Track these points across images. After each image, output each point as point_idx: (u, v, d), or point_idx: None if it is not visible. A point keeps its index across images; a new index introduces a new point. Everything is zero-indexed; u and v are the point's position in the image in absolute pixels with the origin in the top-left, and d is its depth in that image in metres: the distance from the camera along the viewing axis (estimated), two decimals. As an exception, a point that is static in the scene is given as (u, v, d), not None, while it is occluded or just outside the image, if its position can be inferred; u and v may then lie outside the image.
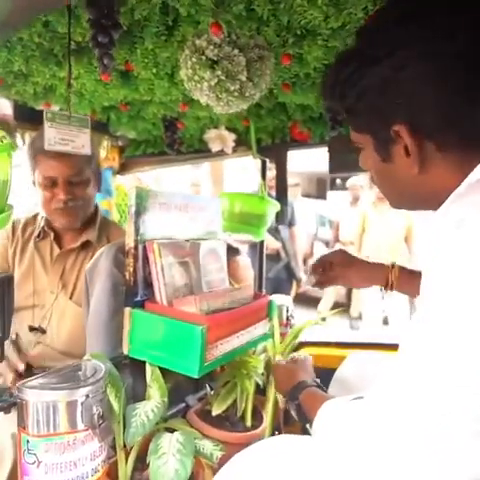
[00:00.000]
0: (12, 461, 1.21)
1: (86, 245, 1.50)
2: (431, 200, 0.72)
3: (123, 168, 2.10)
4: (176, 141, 1.72)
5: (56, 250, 1.51)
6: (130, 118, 1.66)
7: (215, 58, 1.03)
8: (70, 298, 1.45)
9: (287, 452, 0.79)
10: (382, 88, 0.67)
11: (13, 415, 0.83)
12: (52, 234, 1.51)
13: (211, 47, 1.02)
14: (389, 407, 0.63)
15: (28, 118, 1.60)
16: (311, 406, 0.87)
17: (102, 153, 1.93)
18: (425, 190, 0.72)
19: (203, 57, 1.03)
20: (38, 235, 1.52)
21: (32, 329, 1.43)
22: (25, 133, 1.64)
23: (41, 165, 1.37)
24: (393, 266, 1.14)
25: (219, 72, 1.03)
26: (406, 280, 1.12)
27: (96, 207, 1.56)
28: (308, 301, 4.90)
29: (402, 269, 1.14)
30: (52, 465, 0.79)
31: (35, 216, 1.56)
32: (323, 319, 2.10)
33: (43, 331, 1.43)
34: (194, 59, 1.04)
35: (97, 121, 1.71)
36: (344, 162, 1.65)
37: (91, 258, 1.39)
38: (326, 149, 1.75)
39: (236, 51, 1.02)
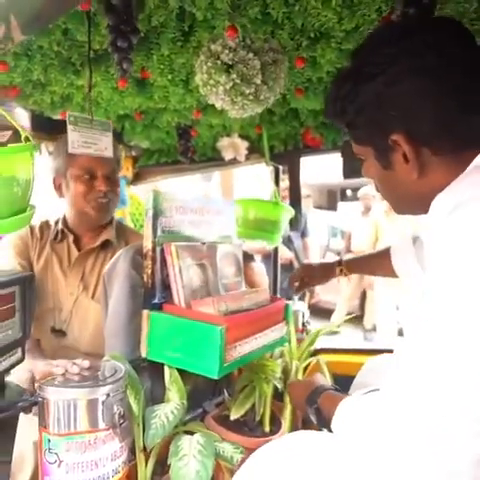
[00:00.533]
0: (32, 469, 1.21)
1: (105, 245, 1.51)
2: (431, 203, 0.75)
3: (136, 178, 2.12)
4: (190, 149, 1.74)
5: (74, 252, 1.51)
6: (144, 127, 1.69)
7: (230, 62, 1.04)
8: (92, 297, 1.45)
9: (307, 447, 0.78)
10: (377, 103, 0.73)
11: (36, 422, 0.83)
12: (71, 236, 1.51)
13: (226, 51, 1.04)
14: (395, 406, 0.65)
15: (45, 128, 1.64)
16: (331, 407, 0.86)
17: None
18: (425, 193, 0.76)
19: (218, 61, 1.05)
20: (55, 237, 1.52)
21: (53, 331, 1.44)
22: (41, 143, 1.67)
23: (79, 159, 1.37)
24: (340, 262, 1.50)
25: (234, 76, 1.05)
26: (355, 267, 1.50)
27: None
28: (321, 312, 4.86)
29: (348, 261, 1.50)
30: (73, 465, 0.79)
31: (46, 222, 1.57)
32: (338, 326, 2.11)
33: (63, 333, 1.44)
34: (209, 64, 1.06)
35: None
36: (358, 167, 1.65)
37: (111, 258, 1.40)
38: (338, 156, 1.76)
39: (251, 55, 1.04)
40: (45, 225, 1.56)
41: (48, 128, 1.62)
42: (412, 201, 0.81)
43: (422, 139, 0.72)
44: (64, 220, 1.53)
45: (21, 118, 1.56)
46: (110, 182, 1.46)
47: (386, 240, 4.34)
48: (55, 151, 1.47)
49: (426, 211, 0.78)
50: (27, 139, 0.78)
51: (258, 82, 1.07)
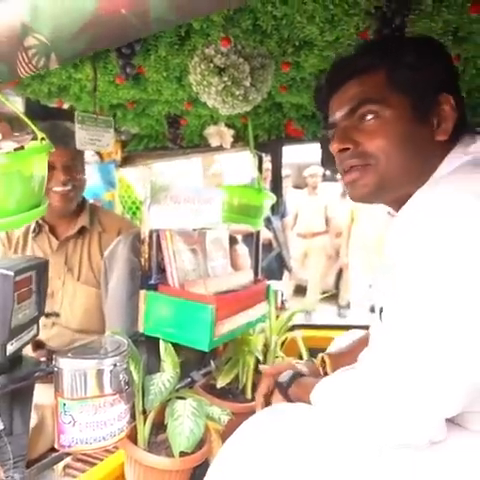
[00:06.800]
0: (51, 427, 1.34)
1: (82, 231, 1.64)
2: (417, 178, 0.83)
3: (125, 161, 2.20)
4: (179, 137, 1.82)
5: (54, 241, 1.64)
6: (135, 115, 1.76)
7: (222, 66, 1.14)
8: (78, 280, 1.59)
9: (292, 418, 0.84)
10: (446, 57, 0.86)
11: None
12: (47, 226, 1.64)
13: (219, 56, 1.13)
14: (382, 371, 0.73)
15: (38, 115, 1.69)
16: (304, 391, 0.93)
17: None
18: (430, 162, 0.83)
19: (211, 64, 1.14)
20: (34, 230, 1.65)
21: (47, 315, 1.56)
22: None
23: None
24: (323, 360, 1.16)
25: (226, 78, 1.14)
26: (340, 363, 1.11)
27: (83, 196, 1.72)
28: (299, 290, 5.05)
29: (332, 357, 1.16)
30: (86, 424, 0.91)
31: None
32: (313, 307, 2.26)
33: (57, 315, 1.56)
34: (203, 66, 1.15)
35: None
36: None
37: (88, 242, 1.60)
38: (318, 145, 1.87)
39: (241, 60, 1.13)
40: None
41: (42, 115, 1.68)
42: (415, 166, 0.84)
43: (458, 109, 0.82)
44: None
45: (16, 105, 1.61)
46: (70, 171, 1.55)
47: (361, 222, 4.52)
48: None
49: (402, 189, 0.85)
50: (43, 140, 0.87)
51: (247, 85, 1.17)
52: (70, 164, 1.55)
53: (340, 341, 1.38)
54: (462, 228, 0.67)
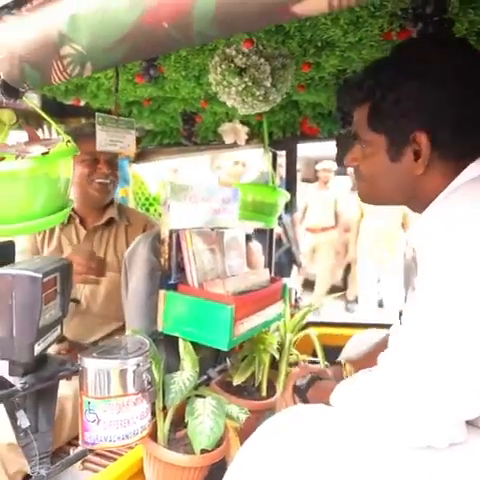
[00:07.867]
0: (70, 419, 1.36)
1: (110, 222, 1.70)
2: (418, 199, 0.86)
3: (139, 157, 2.20)
4: (193, 134, 1.82)
5: (81, 231, 1.69)
6: (151, 112, 1.76)
7: (243, 66, 1.14)
8: None
9: (310, 420, 0.86)
10: (417, 99, 0.81)
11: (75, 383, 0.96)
12: (77, 218, 1.69)
13: (240, 56, 1.13)
14: (402, 372, 0.75)
15: (55, 111, 1.70)
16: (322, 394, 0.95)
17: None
18: (418, 190, 0.86)
19: (232, 64, 1.14)
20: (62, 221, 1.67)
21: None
22: (51, 126, 1.74)
23: (84, 145, 1.47)
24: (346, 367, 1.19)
25: (246, 79, 1.14)
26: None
27: None
28: (307, 285, 5.05)
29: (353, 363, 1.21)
30: (109, 422, 0.93)
31: None
32: (321, 304, 2.25)
33: (77, 301, 1.59)
34: (223, 66, 1.15)
35: (119, 114, 1.80)
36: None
37: (115, 233, 1.65)
38: (334, 143, 1.87)
39: (262, 60, 1.13)
40: None
41: (58, 111, 1.69)
42: (401, 194, 0.90)
43: (440, 142, 0.81)
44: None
45: (33, 101, 1.62)
46: (111, 166, 1.64)
47: (371, 218, 4.51)
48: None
49: (408, 205, 0.89)
50: (68, 142, 0.88)
51: (268, 85, 1.16)
52: (111, 160, 1.65)
53: (359, 340, 1.38)
54: (471, 239, 0.69)
